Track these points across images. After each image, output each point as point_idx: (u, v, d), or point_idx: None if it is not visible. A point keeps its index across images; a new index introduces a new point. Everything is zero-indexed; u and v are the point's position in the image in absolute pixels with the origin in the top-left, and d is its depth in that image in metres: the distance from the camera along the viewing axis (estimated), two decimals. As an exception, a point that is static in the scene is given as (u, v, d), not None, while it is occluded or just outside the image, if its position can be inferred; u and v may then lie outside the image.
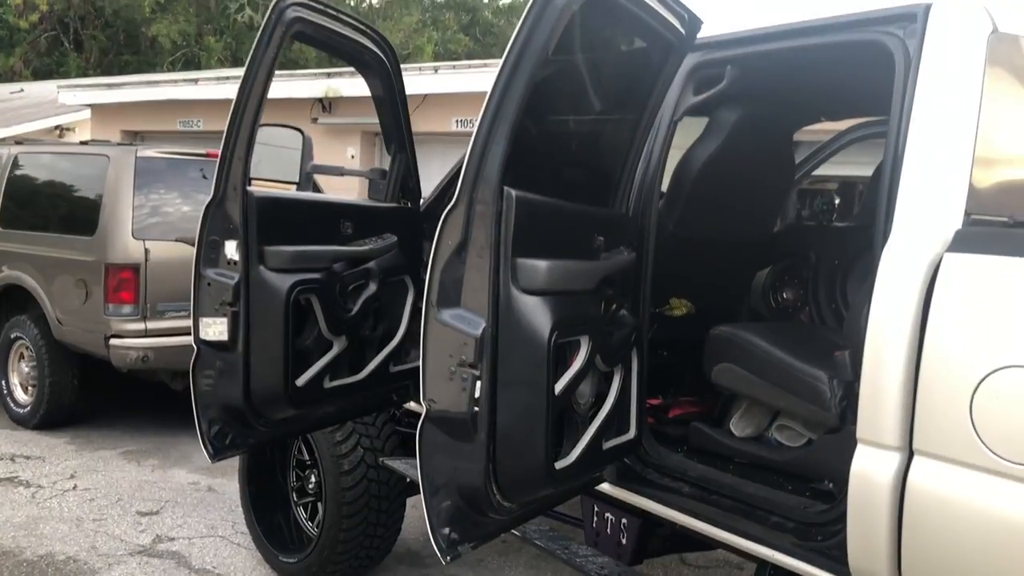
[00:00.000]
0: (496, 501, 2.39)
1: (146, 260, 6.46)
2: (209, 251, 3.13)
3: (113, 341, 6.44)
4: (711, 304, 3.57)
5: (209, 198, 3.12)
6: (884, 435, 2.26)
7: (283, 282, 3.16)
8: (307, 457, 4.59)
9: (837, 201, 3.97)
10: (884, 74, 2.58)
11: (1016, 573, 2.02)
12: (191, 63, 28.81)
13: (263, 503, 4.74)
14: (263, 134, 3.44)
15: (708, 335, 3.12)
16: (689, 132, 3.43)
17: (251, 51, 3.05)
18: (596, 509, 3.66)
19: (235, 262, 3.11)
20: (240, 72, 3.20)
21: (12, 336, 7.16)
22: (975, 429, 2.10)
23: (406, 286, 3.84)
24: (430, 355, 2.37)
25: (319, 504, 4.48)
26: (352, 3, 33.76)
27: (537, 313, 2.37)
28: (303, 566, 4.42)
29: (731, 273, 3.72)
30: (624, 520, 3.51)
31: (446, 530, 2.38)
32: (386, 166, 4.04)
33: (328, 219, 3.52)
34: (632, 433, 2.91)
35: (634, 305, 2.96)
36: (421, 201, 4.15)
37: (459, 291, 2.35)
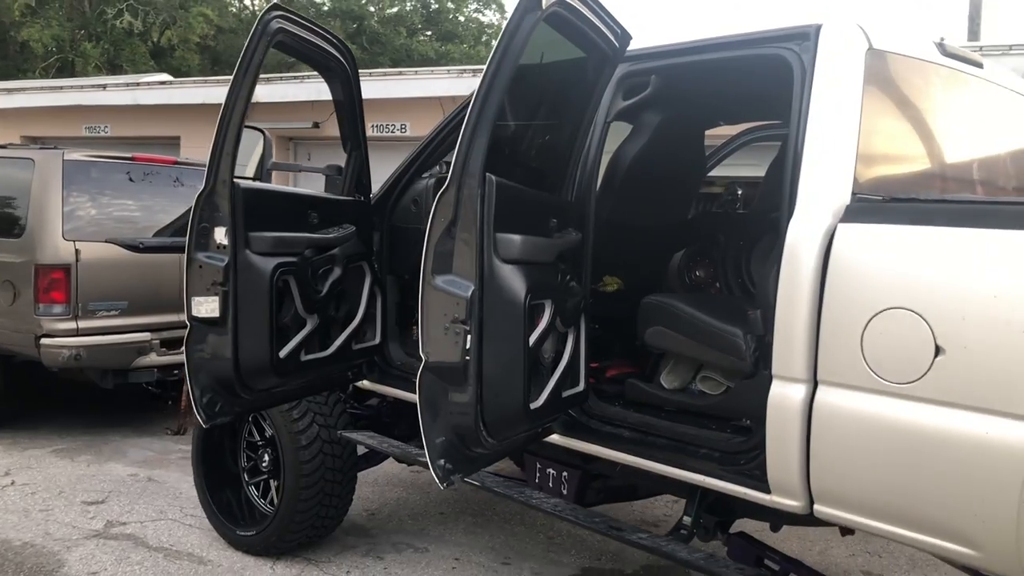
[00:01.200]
0: (483, 437, 2.85)
1: (77, 260, 6.59)
2: (200, 236, 3.47)
3: (44, 341, 6.54)
4: (637, 281, 4.12)
5: (200, 189, 3.47)
6: (794, 370, 2.84)
7: (267, 264, 3.54)
8: (258, 438, 4.91)
9: (740, 191, 4.62)
10: (780, 84, 3.17)
11: (899, 465, 2.61)
12: (64, 70, 27.94)
13: (215, 483, 5.04)
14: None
15: (641, 304, 3.66)
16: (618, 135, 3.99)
17: (239, 58, 3.42)
18: (538, 465, 4.15)
19: (224, 246, 3.46)
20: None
21: (-67, 339, 7.13)
22: (864, 359, 2.69)
23: (363, 271, 4.25)
24: (427, 315, 2.82)
25: (271, 482, 4.82)
26: (235, 8, 33.48)
27: (514, 278, 2.86)
28: (261, 538, 4.74)
29: (653, 254, 4.30)
30: (565, 473, 4.02)
31: (442, 461, 2.83)
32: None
33: (299, 209, 3.91)
34: (581, 386, 3.42)
35: (580, 278, 3.47)
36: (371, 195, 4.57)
37: (450, 261, 2.81)
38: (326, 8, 33.66)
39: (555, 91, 3.48)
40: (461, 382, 2.79)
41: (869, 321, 2.68)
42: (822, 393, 2.81)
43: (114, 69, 27.54)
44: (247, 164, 4.42)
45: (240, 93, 3.44)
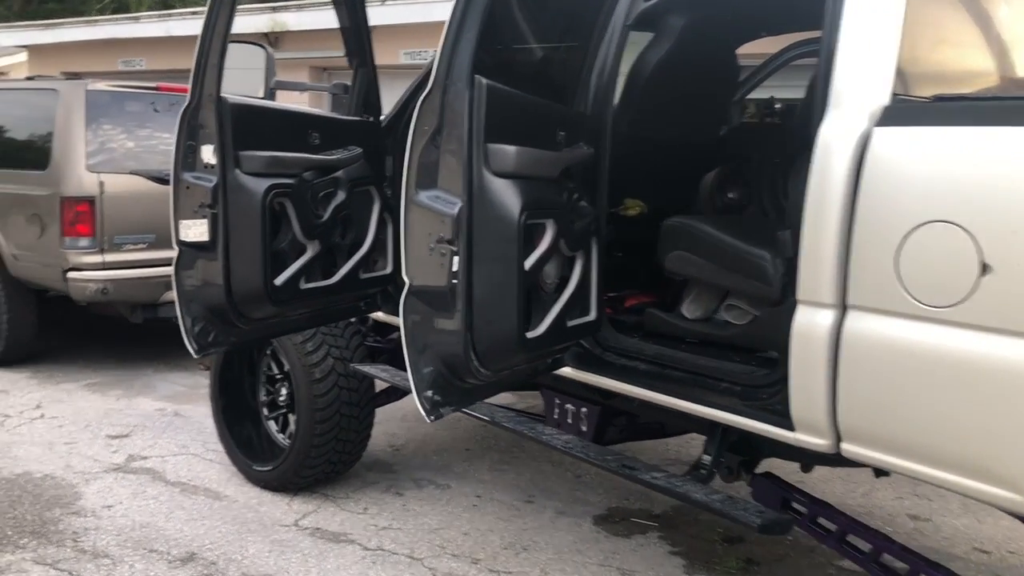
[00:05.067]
0: (474, 367, 2.61)
1: (101, 193, 6.49)
2: (187, 155, 3.26)
3: (71, 274, 6.49)
4: (662, 204, 3.81)
5: (184, 104, 3.24)
6: (821, 294, 2.53)
7: (259, 185, 3.32)
8: (277, 372, 4.77)
9: (777, 105, 4.23)
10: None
11: (936, 399, 2.31)
12: (121, 10, 27.97)
13: (234, 418, 4.93)
14: (227, 50, 3.55)
15: (662, 226, 3.36)
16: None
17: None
18: (557, 401, 3.92)
19: (212, 165, 3.25)
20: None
21: (-35, 274, 7.14)
22: (900, 281, 2.37)
23: (372, 196, 4.01)
24: (410, 234, 2.57)
25: (290, 416, 4.68)
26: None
27: (507, 194, 2.58)
28: (277, 473, 4.62)
29: (681, 174, 3.97)
30: (584, 409, 3.78)
31: (429, 392, 2.60)
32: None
33: (297, 129, 3.67)
34: (593, 315, 3.16)
35: (593, 198, 3.18)
36: (382, 117, 4.31)
37: (435, 174, 2.55)
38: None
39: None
40: (448, 307, 2.55)
41: (906, 237, 2.35)
42: (851, 319, 2.50)
43: (166, 6, 27.48)
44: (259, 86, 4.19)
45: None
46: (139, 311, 6.89)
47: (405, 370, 4.28)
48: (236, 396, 4.96)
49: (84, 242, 6.49)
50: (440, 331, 2.59)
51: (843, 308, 2.52)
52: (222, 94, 3.27)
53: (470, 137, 2.50)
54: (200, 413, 6.00)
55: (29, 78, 7.64)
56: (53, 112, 6.64)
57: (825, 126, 2.57)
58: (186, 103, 3.25)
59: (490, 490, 4.83)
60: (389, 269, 4.11)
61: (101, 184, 6.49)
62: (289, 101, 6.03)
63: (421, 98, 2.55)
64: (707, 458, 3.13)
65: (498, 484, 4.91)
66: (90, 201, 6.46)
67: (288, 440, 4.68)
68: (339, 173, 3.78)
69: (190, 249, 3.32)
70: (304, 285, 3.60)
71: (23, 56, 14.30)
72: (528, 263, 2.69)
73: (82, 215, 6.46)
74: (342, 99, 4.10)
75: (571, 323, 3.01)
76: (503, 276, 2.60)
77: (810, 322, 2.57)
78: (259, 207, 3.30)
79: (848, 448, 2.57)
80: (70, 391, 6.48)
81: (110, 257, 6.55)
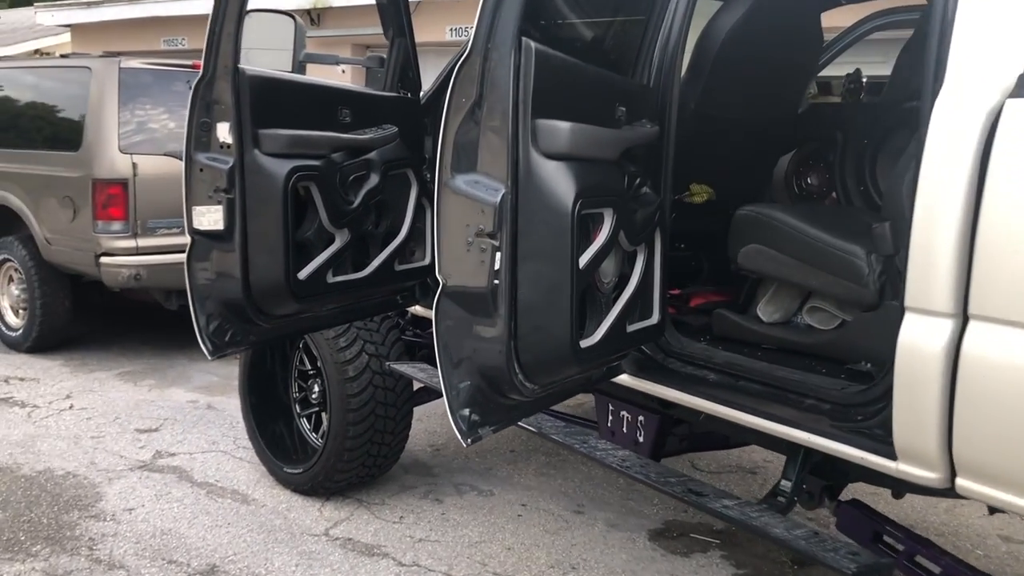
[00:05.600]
0: (518, 381, 2.23)
1: (134, 175, 6.23)
2: (200, 134, 2.92)
3: (104, 260, 6.25)
4: (732, 191, 3.38)
5: (198, 77, 2.90)
6: (936, 301, 2.11)
7: (280, 167, 2.97)
8: (309, 367, 4.45)
9: (864, 79, 3.75)
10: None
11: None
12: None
13: (264, 415, 4.62)
14: (252, 22, 3.21)
15: (734, 216, 2.94)
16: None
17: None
18: (611, 407, 3.53)
19: (228, 145, 2.90)
20: None
21: (0, 258, 6.95)
22: (1040, 286, 1.94)
23: (409, 180, 3.65)
24: (445, 225, 2.19)
25: (323, 415, 4.36)
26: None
27: (559, 179, 2.19)
28: (308, 476, 4.31)
29: (754, 157, 3.52)
30: (641, 417, 3.39)
31: (466, 411, 2.23)
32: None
33: (325, 105, 3.31)
34: (655, 318, 2.75)
35: (656, 183, 2.77)
36: (421, 94, 3.93)
37: (474, 155, 2.17)
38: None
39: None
40: (489, 312, 2.16)
41: (1050, 233, 1.91)
42: (974, 332, 2.07)
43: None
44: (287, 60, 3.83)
45: (240, -42, 2.83)
46: (174, 297, 6.64)
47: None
48: (268, 391, 4.66)
49: (117, 226, 6.24)
50: (479, 339, 2.21)
51: (964, 318, 2.09)
52: (240, 65, 2.91)
53: (515, 111, 2.10)
54: (233, 406, 5.70)
55: (63, 56, 7.40)
56: (86, 91, 6.39)
57: (941, 102, 2.13)
58: (199, 76, 2.90)
59: (536, 498, 4.46)
60: (428, 260, 3.74)
61: (134, 166, 6.23)
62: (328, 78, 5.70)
63: (457, 65, 2.17)
64: (786, 484, 2.72)
65: (544, 491, 4.55)
66: (123, 183, 6.21)
67: (321, 440, 4.36)
68: (372, 154, 3.41)
69: (204, 238, 2.98)
70: (332, 278, 3.25)
71: (66, 36, 14.18)
72: (583, 260, 2.29)
73: (115, 198, 6.20)
74: (377, 73, 3.73)
75: (631, 328, 2.61)
76: (553, 275, 2.20)
77: (921, 334, 2.14)
78: (280, 192, 2.94)
79: (965, 485, 2.15)
80: (102, 380, 6.26)
81: (144, 242, 6.30)
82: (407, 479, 4.63)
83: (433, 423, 5.34)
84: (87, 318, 7.31)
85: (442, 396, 4.42)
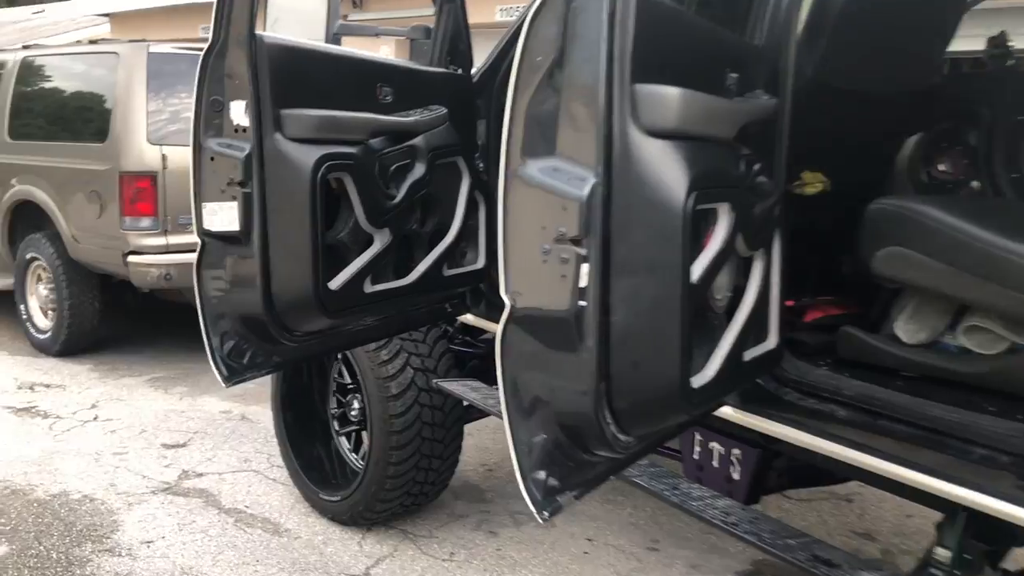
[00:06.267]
0: (610, 433, 1.68)
1: (164, 168, 5.79)
2: (211, 116, 2.41)
3: (132, 258, 5.83)
4: (849, 180, 2.79)
5: (206, 45, 2.39)
6: None
7: (308, 155, 2.45)
8: (349, 380, 3.95)
9: (1011, 43, 3.11)
10: None
11: None
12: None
13: (301, 434, 4.15)
14: (279, -14, 2.70)
15: (867, 211, 2.35)
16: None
17: None
18: (698, 438, 2.98)
19: (244, 129, 2.39)
20: None
21: (28, 257, 6.57)
22: None
23: (460, 170, 3.11)
24: (513, 228, 1.65)
25: (364, 434, 3.86)
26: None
27: (667, 163, 1.63)
28: (347, 505, 3.82)
29: (878, 138, 2.91)
30: (737, 451, 2.83)
31: (541, 475, 1.68)
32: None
33: (362, 81, 2.78)
34: (773, 342, 2.18)
35: (772, 171, 2.19)
36: (473, 71, 3.38)
37: (552, 133, 1.62)
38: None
39: None
40: (572, 343, 1.61)
41: None
42: None
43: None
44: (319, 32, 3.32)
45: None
46: (208, 299, 6.19)
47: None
48: (304, 406, 4.18)
49: (146, 222, 5.81)
50: (559, 379, 1.66)
51: None
52: (258, 32, 2.39)
53: (609, 71, 1.55)
54: (269, 417, 5.21)
55: (92, 42, 6.99)
56: (113, 78, 5.97)
57: None
58: (208, 44, 2.39)
59: (603, 531, 3.93)
60: (481, 263, 3.21)
61: (164, 158, 5.79)
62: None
63: (529, 17, 1.62)
64: (943, 552, 2.13)
65: (613, 523, 4.01)
66: (151, 177, 5.77)
67: (362, 462, 3.86)
68: (417, 140, 2.87)
69: (216, 241, 2.47)
70: (370, 288, 2.72)
71: (106, 28, 13.93)
72: (695, 271, 1.72)
73: (143, 192, 5.77)
74: (423, 46, 3.19)
75: (748, 356, 2.04)
76: (659, 292, 1.64)
77: None
78: (307, 185, 2.42)
79: None
80: (131, 388, 5.84)
81: (174, 239, 5.84)
82: (457, 506, 4.13)
83: (484, 438, 4.82)
84: (119, 319, 6.90)
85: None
